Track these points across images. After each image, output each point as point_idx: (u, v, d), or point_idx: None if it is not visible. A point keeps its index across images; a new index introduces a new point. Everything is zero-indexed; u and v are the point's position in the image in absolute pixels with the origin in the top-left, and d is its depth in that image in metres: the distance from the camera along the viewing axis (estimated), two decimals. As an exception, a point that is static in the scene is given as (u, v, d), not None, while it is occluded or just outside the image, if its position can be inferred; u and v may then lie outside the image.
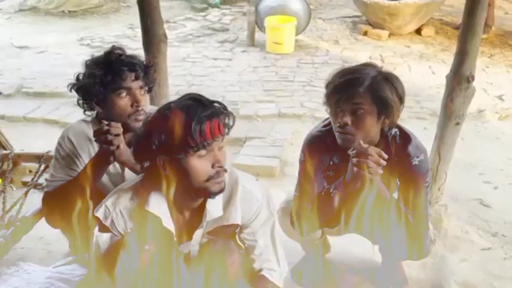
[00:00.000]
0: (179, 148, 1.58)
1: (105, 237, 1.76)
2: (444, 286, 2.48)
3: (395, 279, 2.44)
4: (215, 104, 1.63)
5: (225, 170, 1.67)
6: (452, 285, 2.47)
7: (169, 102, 1.67)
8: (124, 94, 2.06)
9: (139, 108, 2.06)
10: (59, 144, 2.16)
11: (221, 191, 1.68)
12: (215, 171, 1.63)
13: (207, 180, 1.63)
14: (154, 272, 1.69)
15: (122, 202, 1.74)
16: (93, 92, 2.08)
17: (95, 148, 2.12)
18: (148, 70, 2.14)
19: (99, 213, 1.74)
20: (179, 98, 1.67)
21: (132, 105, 2.07)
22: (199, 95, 1.65)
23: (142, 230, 1.69)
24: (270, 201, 1.88)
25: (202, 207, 1.76)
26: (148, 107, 2.15)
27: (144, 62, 2.17)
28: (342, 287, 2.48)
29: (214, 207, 1.75)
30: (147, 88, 2.13)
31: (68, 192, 2.02)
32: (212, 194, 1.67)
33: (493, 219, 3.11)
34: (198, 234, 1.79)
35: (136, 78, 2.07)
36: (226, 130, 1.64)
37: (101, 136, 1.94)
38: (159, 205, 1.71)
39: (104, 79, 2.05)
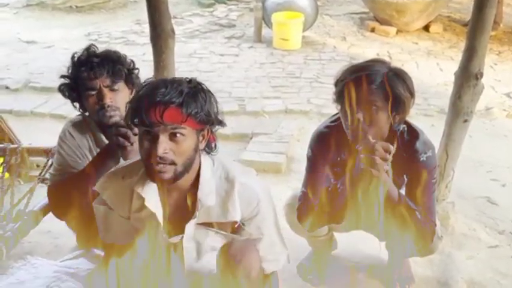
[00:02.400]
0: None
1: (102, 209, 1.81)
2: (451, 284, 2.47)
3: (402, 276, 2.44)
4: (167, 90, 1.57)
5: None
6: (459, 283, 2.47)
7: None
8: (91, 93, 2.09)
9: (105, 106, 2.07)
10: (61, 138, 2.21)
11: None
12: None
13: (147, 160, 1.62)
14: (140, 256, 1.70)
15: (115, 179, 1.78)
16: (70, 97, 2.17)
17: (94, 141, 2.19)
18: (115, 66, 2.10)
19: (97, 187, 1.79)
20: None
21: (97, 103, 2.09)
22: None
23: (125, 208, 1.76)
24: (269, 195, 1.86)
25: (193, 197, 1.72)
26: None
27: (119, 58, 2.15)
28: (348, 284, 2.48)
29: (205, 195, 1.71)
30: (118, 84, 2.11)
31: (74, 183, 2.06)
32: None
33: (500, 216, 3.10)
34: (190, 225, 1.74)
35: (96, 77, 2.06)
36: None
37: (121, 129, 1.97)
38: (147, 185, 1.70)
39: (69, 83, 2.13)
